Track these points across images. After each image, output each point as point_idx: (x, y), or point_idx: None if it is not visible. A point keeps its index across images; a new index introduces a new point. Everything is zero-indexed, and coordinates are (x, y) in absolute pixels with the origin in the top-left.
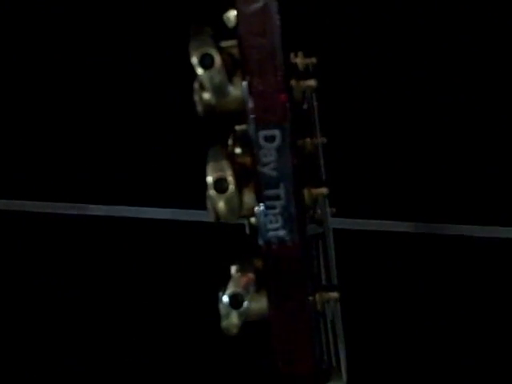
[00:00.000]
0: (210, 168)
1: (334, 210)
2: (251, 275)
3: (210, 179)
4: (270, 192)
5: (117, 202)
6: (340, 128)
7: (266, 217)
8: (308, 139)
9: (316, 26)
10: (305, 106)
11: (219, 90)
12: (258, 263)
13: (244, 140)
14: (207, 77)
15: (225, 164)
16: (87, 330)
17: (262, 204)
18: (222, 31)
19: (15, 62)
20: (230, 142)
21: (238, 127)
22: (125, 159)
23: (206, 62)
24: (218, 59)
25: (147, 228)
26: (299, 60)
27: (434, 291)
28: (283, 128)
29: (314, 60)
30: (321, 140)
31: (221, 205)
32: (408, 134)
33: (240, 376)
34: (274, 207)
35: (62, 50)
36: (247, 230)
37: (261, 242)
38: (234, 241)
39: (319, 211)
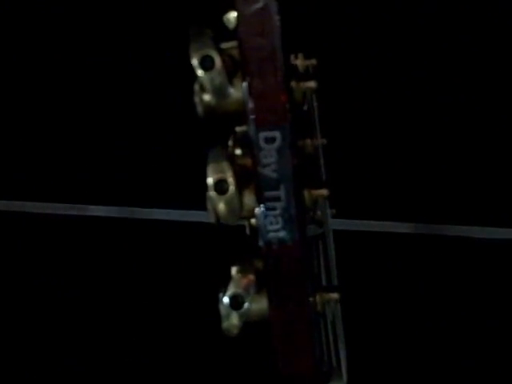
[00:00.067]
0: (210, 169)
1: (334, 211)
2: (251, 276)
3: (210, 180)
4: (271, 193)
5: (117, 203)
6: (340, 129)
7: (266, 218)
8: (308, 140)
9: (316, 28)
10: (305, 108)
11: (219, 92)
12: (259, 264)
13: (244, 141)
14: (207, 78)
15: (225, 165)
16: (87, 330)
17: (262, 205)
18: (223, 33)
19: (15, 61)
20: (230, 143)
21: (238, 128)
22: (125, 160)
23: (207, 64)
24: (218, 61)
25: (147, 229)
26: (299, 61)
27: (434, 292)
28: (283, 129)
29: (314, 61)
30: (321, 141)
31: (221, 206)
32: (408, 134)
33: (240, 377)
34: (274, 208)
35: (62, 50)
36: (247, 231)
37: (261, 243)
38: (234, 242)
39: (319, 212)
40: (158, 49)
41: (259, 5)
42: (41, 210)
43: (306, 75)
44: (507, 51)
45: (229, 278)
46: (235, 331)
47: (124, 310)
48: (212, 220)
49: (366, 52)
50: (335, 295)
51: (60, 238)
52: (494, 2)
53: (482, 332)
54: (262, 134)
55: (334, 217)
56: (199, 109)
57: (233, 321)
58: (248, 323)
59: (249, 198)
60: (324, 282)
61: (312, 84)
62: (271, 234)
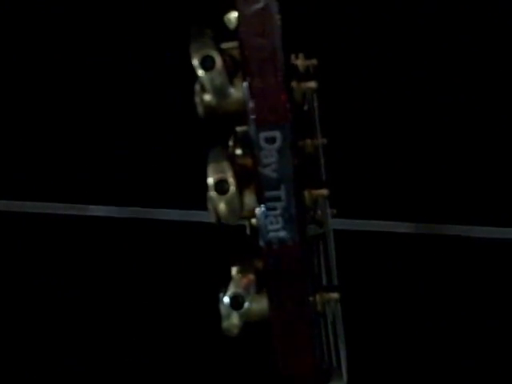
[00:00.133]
0: (210, 169)
1: (335, 210)
2: (252, 276)
3: (210, 180)
4: (271, 193)
5: (117, 203)
6: (340, 129)
7: (266, 218)
8: (308, 140)
9: (316, 28)
10: (305, 108)
11: (220, 92)
12: (259, 264)
13: (245, 141)
14: (208, 78)
15: (225, 165)
16: (87, 330)
17: (262, 205)
18: (223, 33)
19: (15, 61)
20: (230, 143)
21: (238, 128)
22: (125, 160)
23: (207, 64)
24: (218, 61)
25: (147, 229)
26: (300, 62)
27: (434, 292)
28: (284, 129)
29: (314, 62)
30: (321, 141)
31: (221, 206)
32: (408, 134)
33: (241, 376)
34: (274, 208)
35: (62, 50)
36: (248, 231)
37: (261, 243)
38: (234, 242)
39: (320, 212)
40: (158, 49)
41: (260, 5)
42: (41, 209)
43: (306, 75)
44: (507, 51)
45: (229, 277)
46: (235, 331)
47: (124, 310)
48: (212, 220)
49: (367, 52)
50: (335, 295)
51: (60, 238)
52: (494, 2)
53: (481, 332)
54: (263, 134)
55: (334, 216)
56: (200, 109)
57: (233, 321)
58: (248, 323)
59: (249, 198)
60: (324, 282)
61: (312, 84)
62: (271, 234)
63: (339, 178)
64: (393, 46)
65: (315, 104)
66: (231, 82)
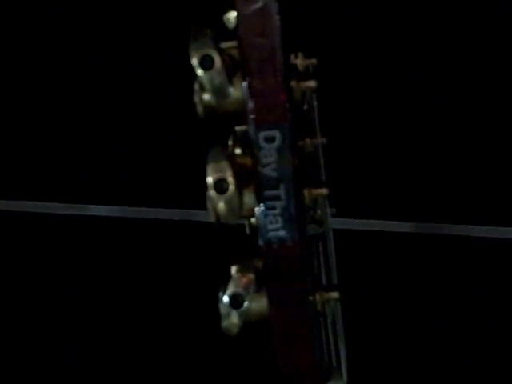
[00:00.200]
0: (210, 169)
1: (334, 210)
2: (251, 275)
3: (210, 180)
4: (270, 192)
5: (117, 203)
6: (340, 129)
7: (266, 217)
8: (308, 140)
9: (316, 27)
10: (305, 107)
11: (219, 91)
12: (259, 263)
13: (244, 141)
14: (207, 78)
15: (225, 165)
16: (87, 329)
17: (262, 204)
18: (222, 32)
19: (15, 61)
20: (230, 142)
21: (238, 128)
22: (125, 160)
23: (206, 63)
24: (218, 60)
25: (147, 228)
26: (299, 61)
27: (434, 291)
28: (283, 128)
29: (313, 61)
30: (321, 140)
31: (221, 205)
32: (408, 134)
33: (240, 376)
34: (274, 208)
35: (62, 50)
36: (247, 231)
37: (261, 242)
38: (234, 241)
39: (319, 211)
40: (158, 49)
41: (259, 5)
42: (41, 209)
43: (305, 74)
44: (507, 51)
45: (229, 277)
46: (235, 330)
47: (124, 310)
48: (212, 219)
49: (366, 52)
50: (335, 294)
51: (60, 238)
52: (493, 2)
53: (481, 331)
54: (262, 134)
55: (333, 216)
56: (199, 108)
57: (233, 320)
58: (248, 322)
59: (249, 198)
60: (324, 282)
61: (312, 83)
62: (271, 234)
63: (339, 177)
64: (392, 46)
65: (315, 103)
66: (230, 82)
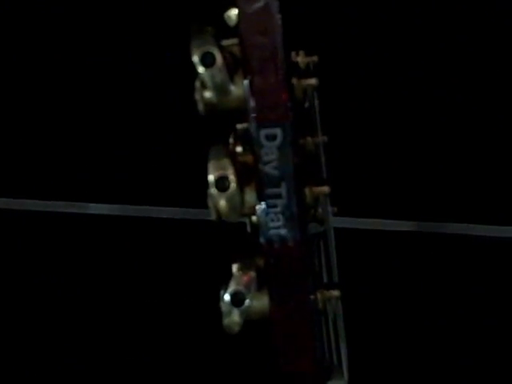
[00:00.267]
0: (211, 166)
1: (336, 208)
2: (252, 274)
3: (211, 177)
4: (272, 190)
5: (117, 201)
6: (341, 127)
7: (267, 215)
8: (309, 138)
9: (317, 25)
10: (306, 105)
11: (220, 89)
12: (260, 262)
13: (245, 138)
14: (208, 75)
15: (226, 162)
16: (88, 328)
17: (263, 202)
18: (223, 30)
19: (15, 61)
20: (231, 140)
21: (239, 126)
22: (125, 158)
23: (208, 61)
24: (219, 58)
25: (148, 226)
26: (300, 59)
27: (435, 290)
28: (284, 126)
29: (315, 59)
30: (322, 139)
31: (222, 203)
32: (409, 132)
33: (241, 374)
34: (275, 206)
35: (62, 50)
36: (248, 229)
37: (262, 240)
38: (235, 239)
39: (320, 210)
40: (159, 46)
41: (261, 3)
42: (41, 207)
43: (307, 72)
44: (506, 51)
45: (230, 275)
46: (236, 328)
47: (125, 308)
48: (213, 217)
49: (367, 49)
50: (336, 293)
51: (60, 236)
52: (493, 2)
53: (481, 330)
54: (263, 131)
55: (335, 214)
56: (200, 106)
57: (234, 318)
58: (249, 321)
59: (250, 196)
60: (325, 280)
61: (313, 81)
62: (272, 231)
63: (340, 175)
64: (393, 44)
65: (316, 101)
66: (232, 79)
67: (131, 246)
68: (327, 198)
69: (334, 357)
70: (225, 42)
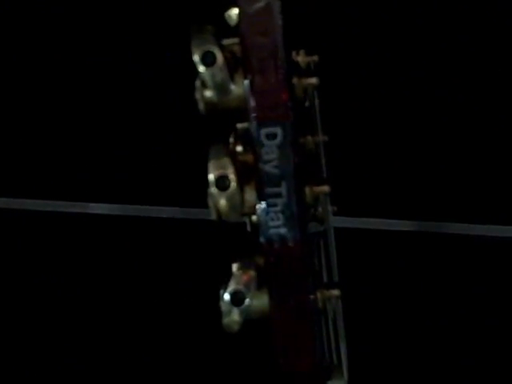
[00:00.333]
0: (211, 166)
1: (336, 208)
2: (252, 273)
3: (211, 177)
4: (272, 190)
5: (117, 201)
6: (342, 126)
7: (267, 214)
8: (309, 137)
9: (318, 24)
10: (306, 104)
11: (221, 88)
12: (260, 261)
13: (245, 138)
14: (209, 74)
15: (226, 161)
16: (88, 328)
17: (263, 202)
18: (224, 29)
19: (15, 61)
20: (231, 139)
21: (239, 125)
22: (125, 157)
23: (208, 60)
24: (219, 57)
25: (148, 226)
26: (301, 58)
27: (435, 289)
28: (285, 126)
29: (315, 58)
30: (322, 138)
31: (222, 202)
32: (409, 132)
33: (241, 374)
34: (275, 205)
35: (62, 50)
36: (248, 228)
37: (262, 239)
38: (235, 239)
39: (321, 209)
40: (160, 45)
41: (262, 4)
42: (41, 207)
43: (307, 71)
44: (507, 51)
45: (230, 274)
46: (236, 328)
47: (125, 308)
48: (213, 217)
49: (368, 49)
50: (336, 292)
51: (60, 236)
52: (493, 2)
53: (481, 329)
54: (264, 131)
55: (335, 214)
56: (201, 105)
57: (233, 317)
58: (249, 320)
59: (250, 195)
60: (325, 279)
61: (313, 80)
62: (272, 231)
63: (340, 175)
64: (394, 43)
65: (316, 100)
66: (232, 79)
67: (131, 246)
68: (327, 197)
69: (334, 356)
70: (225, 41)
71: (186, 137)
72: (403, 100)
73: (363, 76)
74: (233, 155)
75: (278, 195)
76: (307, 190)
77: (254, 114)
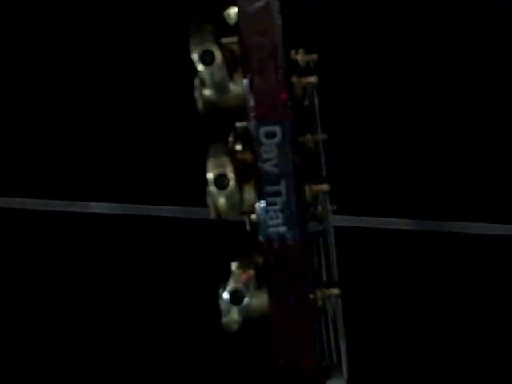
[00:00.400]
0: (210, 164)
1: (335, 206)
2: (252, 272)
3: (210, 175)
4: (271, 188)
5: (117, 200)
6: (341, 125)
7: (266, 213)
8: (309, 136)
9: (317, 23)
10: (306, 103)
11: (220, 87)
12: (259, 260)
13: (245, 136)
14: (208, 73)
15: (225, 160)
16: (88, 327)
17: (262, 200)
18: (223, 28)
19: (15, 61)
20: (230, 138)
21: (238, 124)
22: (125, 157)
23: (207, 59)
24: (218, 55)
25: (147, 225)
26: (300, 57)
27: (434, 288)
28: (284, 124)
29: (314, 57)
30: (322, 136)
31: (221, 201)
32: (409, 130)
33: (240, 373)
34: (274, 204)
35: (62, 50)
36: (248, 227)
37: (261, 238)
38: (234, 237)
39: (320, 208)
40: (159, 44)
41: (261, 3)
42: (41, 207)
43: (306, 70)
44: (506, 51)
45: (229, 273)
46: (235, 326)
47: (125, 307)
48: (212, 215)
49: (367, 48)
50: (336, 291)
51: (60, 236)
52: (493, 2)
53: (481, 328)
54: (263, 129)
55: (334, 213)
56: (200, 104)
57: (233, 316)
58: (248, 319)
59: (249, 193)
60: (325, 278)
61: (313, 79)
62: (271, 229)
63: (340, 173)
64: (393, 43)
65: (315, 99)
66: (231, 77)
67: (131, 245)
68: (327, 195)
69: (334, 355)
70: (224, 40)
71: (186, 136)
72: (402, 99)
73: (362, 75)
74: (232, 154)
75: (278, 194)
76: (307, 188)
77: (253, 113)
